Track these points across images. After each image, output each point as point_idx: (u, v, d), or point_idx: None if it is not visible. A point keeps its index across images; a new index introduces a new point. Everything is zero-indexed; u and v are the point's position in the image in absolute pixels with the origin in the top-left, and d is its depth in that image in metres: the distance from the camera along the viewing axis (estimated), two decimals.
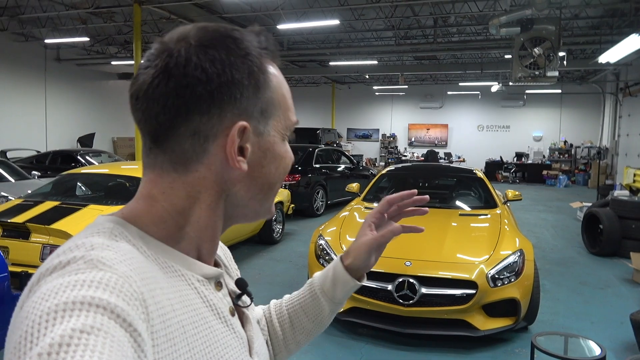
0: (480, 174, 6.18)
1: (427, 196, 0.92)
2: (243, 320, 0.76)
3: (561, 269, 6.33)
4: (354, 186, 6.45)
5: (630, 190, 10.11)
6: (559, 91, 18.28)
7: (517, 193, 5.85)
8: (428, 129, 22.47)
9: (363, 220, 0.95)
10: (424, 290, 3.75)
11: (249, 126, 0.64)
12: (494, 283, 3.80)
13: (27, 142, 13.78)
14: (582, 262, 6.76)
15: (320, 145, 11.61)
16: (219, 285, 0.70)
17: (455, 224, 4.74)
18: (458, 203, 5.69)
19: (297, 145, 11.52)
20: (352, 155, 15.05)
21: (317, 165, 10.48)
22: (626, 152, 16.04)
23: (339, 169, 11.35)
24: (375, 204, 5.27)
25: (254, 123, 0.65)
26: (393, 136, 22.97)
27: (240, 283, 0.78)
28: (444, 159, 20.55)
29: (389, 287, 3.79)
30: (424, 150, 21.26)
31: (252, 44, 0.65)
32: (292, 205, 8.42)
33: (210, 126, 0.62)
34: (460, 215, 5.10)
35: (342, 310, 4.07)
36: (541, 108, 20.37)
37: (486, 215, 5.07)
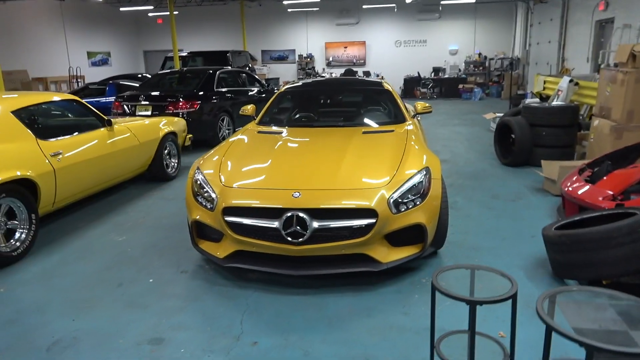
0: (388, 86, 5.57)
1: None
2: None
3: (473, 183, 6.05)
4: (248, 108, 5.64)
5: (540, 97, 10.06)
6: (473, 1, 17.86)
7: (426, 105, 5.35)
8: (345, 47, 21.52)
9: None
10: (315, 224, 3.15)
11: None
12: (396, 209, 3.27)
13: None
14: (494, 174, 6.54)
15: (223, 67, 10.42)
16: None
17: (357, 144, 4.11)
18: (364, 120, 5.07)
19: (193, 69, 10.29)
20: (268, 79, 13.97)
21: (222, 90, 9.45)
22: (536, 61, 16.20)
23: (249, 94, 10.37)
24: (274, 127, 4.40)
25: None
26: (310, 56, 21.82)
27: None
28: (363, 78, 19.94)
29: (276, 224, 3.13)
30: (343, 70, 20.50)
31: None
32: (190, 135, 7.48)
33: None
34: (364, 133, 4.48)
35: (223, 255, 3.40)
36: (456, 20, 19.99)
37: (392, 131, 4.50)
